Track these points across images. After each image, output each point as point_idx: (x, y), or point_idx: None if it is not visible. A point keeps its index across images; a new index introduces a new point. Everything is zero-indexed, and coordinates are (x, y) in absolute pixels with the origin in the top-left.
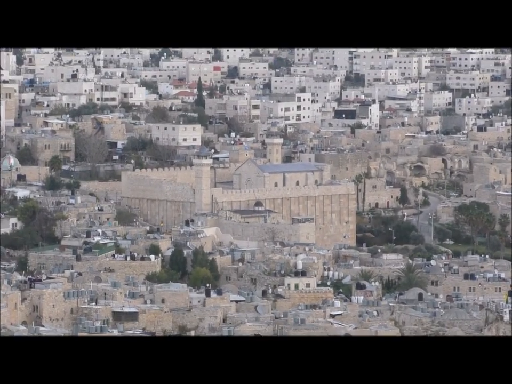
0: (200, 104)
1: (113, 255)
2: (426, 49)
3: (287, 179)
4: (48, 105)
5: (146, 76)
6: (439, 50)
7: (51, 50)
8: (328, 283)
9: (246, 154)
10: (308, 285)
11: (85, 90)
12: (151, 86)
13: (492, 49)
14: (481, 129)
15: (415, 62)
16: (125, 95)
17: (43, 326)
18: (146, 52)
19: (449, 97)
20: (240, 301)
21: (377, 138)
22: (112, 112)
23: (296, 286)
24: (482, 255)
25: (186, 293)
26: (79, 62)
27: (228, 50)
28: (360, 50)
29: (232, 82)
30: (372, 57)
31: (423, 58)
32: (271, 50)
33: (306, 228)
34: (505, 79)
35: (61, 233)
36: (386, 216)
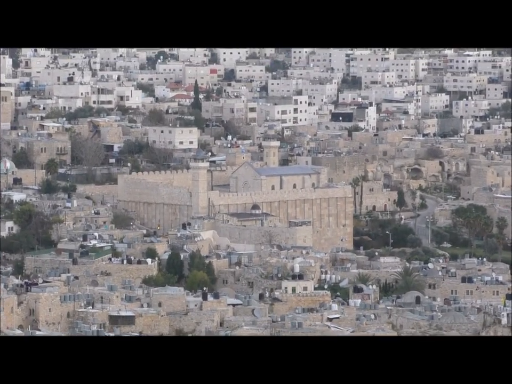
0: (197, 107)
1: (110, 259)
2: (423, 51)
3: (284, 182)
4: (44, 108)
5: (142, 79)
6: (436, 52)
7: (47, 53)
8: (326, 286)
9: (243, 157)
10: (305, 289)
11: (81, 93)
12: (147, 89)
13: (489, 51)
14: (478, 131)
15: (412, 64)
16: (121, 98)
17: (39, 330)
18: (143, 54)
19: (447, 100)
20: (237, 304)
21: (374, 141)
22: (109, 115)
23: (293, 290)
24: (480, 258)
25: (183, 297)
26: (76, 65)
27: (224, 53)
28: (357, 52)
29: (229, 85)
30: (369, 59)
31: (420, 60)
32: (268, 53)
33: (303, 231)
34: (503, 82)
35: (57, 236)
36: (384, 219)
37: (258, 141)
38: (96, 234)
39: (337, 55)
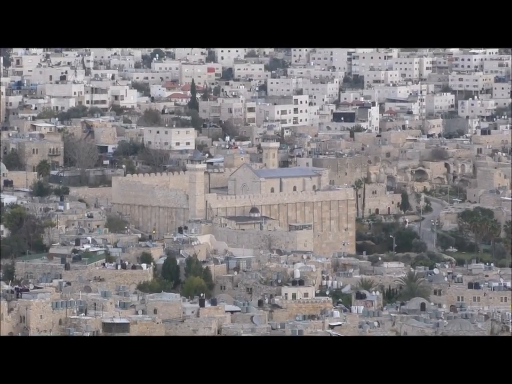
0: (194, 107)
1: (104, 264)
2: (427, 49)
3: (283, 184)
4: (36, 108)
5: (137, 78)
6: (441, 50)
7: (39, 51)
8: (327, 292)
9: (241, 159)
10: (305, 295)
11: (74, 93)
12: (142, 88)
13: (496, 50)
14: (485, 132)
15: (416, 62)
16: (116, 97)
17: None
18: (138, 53)
19: (452, 99)
20: (235, 311)
21: (377, 142)
22: (103, 115)
23: (294, 296)
24: (487, 263)
25: (180, 303)
26: (68, 63)
27: (222, 51)
28: (359, 51)
29: (227, 84)
30: (372, 58)
31: (424, 59)
32: (267, 51)
33: (304, 235)
34: (510, 80)
35: (49, 241)
36: (387, 222)
37: (257, 142)
38: (89, 238)
39: (339, 53)
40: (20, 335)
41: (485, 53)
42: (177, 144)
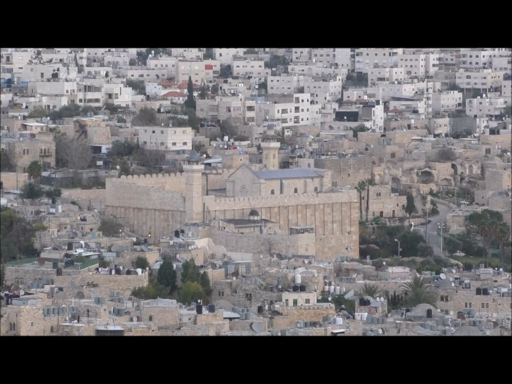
0: (191, 106)
1: (97, 269)
2: None
3: (284, 186)
4: (27, 107)
5: (132, 75)
6: None
7: (30, 48)
8: (329, 299)
9: (240, 160)
10: (307, 301)
11: (67, 91)
12: (137, 86)
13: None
14: (493, 132)
15: (422, 59)
16: (110, 96)
17: None
18: (133, 49)
19: (459, 98)
20: (234, 318)
21: (381, 142)
22: (96, 114)
23: (295, 302)
24: (496, 268)
25: (176, 310)
26: (60, 60)
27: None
28: None
29: (225, 82)
30: (376, 54)
31: (430, 55)
32: (267, 47)
33: (305, 238)
34: None
35: (40, 245)
36: (392, 226)
37: (257, 141)
38: (82, 242)
39: (342, 49)
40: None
41: (493, 50)
42: (174, 144)
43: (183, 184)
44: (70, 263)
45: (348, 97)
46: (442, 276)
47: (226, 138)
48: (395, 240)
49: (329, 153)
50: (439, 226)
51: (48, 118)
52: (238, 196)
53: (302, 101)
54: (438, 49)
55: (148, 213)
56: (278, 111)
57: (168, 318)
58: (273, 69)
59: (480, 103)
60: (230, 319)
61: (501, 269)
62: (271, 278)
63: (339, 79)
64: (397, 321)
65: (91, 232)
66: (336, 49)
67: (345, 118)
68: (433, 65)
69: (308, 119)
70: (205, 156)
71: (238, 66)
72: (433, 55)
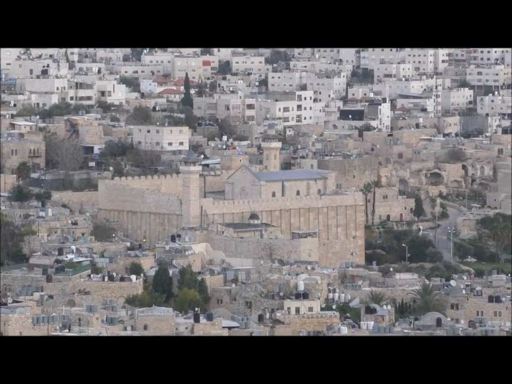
0: (188, 104)
1: (89, 275)
2: None
3: (286, 188)
4: (15, 105)
5: (126, 72)
6: None
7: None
8: (334, 307)
9: (240, 160)
10: (310, 309)
11: (57, 88)
12: (131, 83)
13: None
14: (506, 131)
15: (430, 55)
16: (103, 93)
17: None
18: None
19: (470, 95)
20: (233, 327)
21: (388, 142)
22: (88, 112)
23: (297, 310)
24: (509, 275)
25: (172, 318)
26: (50, 56)
27: None
28: None
29: (224, 78)
30: (382, 50)
31: (439, 51)
32: None
33: (308, 243)
34: None
35: (29, 250)
36: (399, 230)
37: (257, 141)
38: (73, 247)
39: None
40: None
41: None
42: (170, 144)
43: (180, 186)
44: (61, 269)
45: (353, 94)
46: (452, 282)
47: (225, 138)
48: (403, 245)
49: (333, 153)
50: (449, 231)
51: (38, 117)
52: (238, 198)
53: (305, 98)
54: None
55: (143, 217)
56: (280, 109)
57: (164, 327)
58: (274, 65)
59: (492, 101)
60: (229, 328)
61: None
62: (272, 285)
63: (343, 76)
64: (405, 331)
65: (83, 236)
66: None
67: (350, 116)
68: (443, 61)
69: (310, 117)
70: (202, 156)
71: (237, 62)
72: (442, 51)
